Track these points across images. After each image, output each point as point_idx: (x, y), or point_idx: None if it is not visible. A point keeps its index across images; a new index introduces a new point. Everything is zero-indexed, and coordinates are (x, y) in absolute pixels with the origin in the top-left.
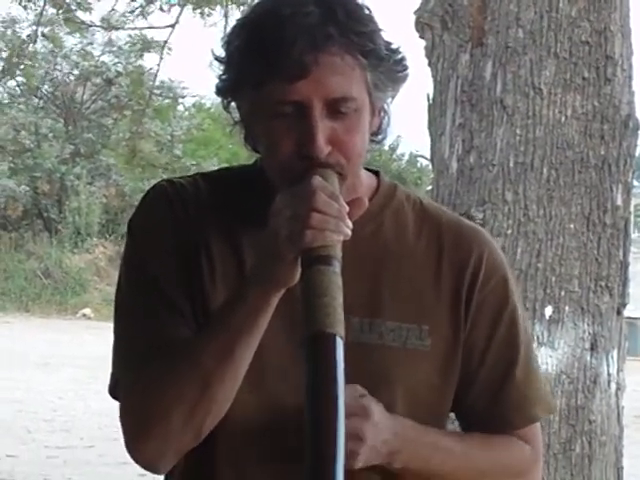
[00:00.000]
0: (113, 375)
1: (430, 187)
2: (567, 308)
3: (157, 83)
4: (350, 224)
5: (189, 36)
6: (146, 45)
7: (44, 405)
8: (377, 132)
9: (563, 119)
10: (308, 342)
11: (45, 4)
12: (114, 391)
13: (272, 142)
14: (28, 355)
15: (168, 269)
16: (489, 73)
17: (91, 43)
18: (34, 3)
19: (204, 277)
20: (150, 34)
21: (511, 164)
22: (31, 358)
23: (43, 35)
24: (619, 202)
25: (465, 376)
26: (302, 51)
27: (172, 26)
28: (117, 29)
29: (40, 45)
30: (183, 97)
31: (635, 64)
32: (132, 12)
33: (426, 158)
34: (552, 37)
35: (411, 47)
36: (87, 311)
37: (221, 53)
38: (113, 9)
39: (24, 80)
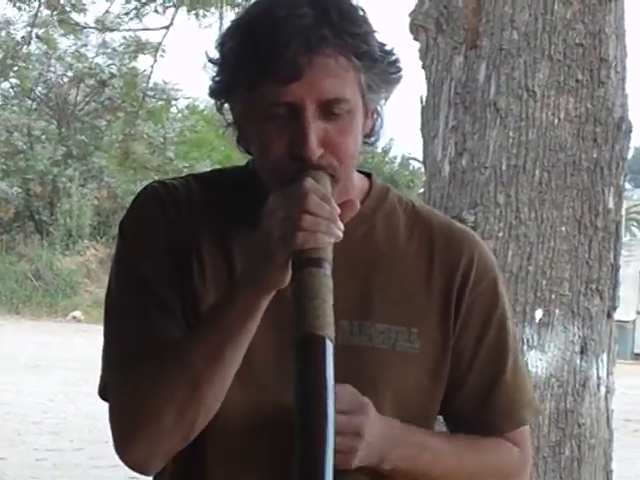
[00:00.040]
0: (103, 377)
1: (422, 190)
2: (557, 311)
3: (150, 85)
4: (342, 226)
5: (183, 38)
6: (140, 47)
7: (34, 407)
8: (370, 134)
9: (556, 121)
10: (298, 344)
11: (40, 5)
12: (104, 392)
13: (265, 143)
14: (18, 357)
15: (159, 270)
16: (483, 75)
17: (85, 45)
18: (28, 4)
19: (195, 278)
20: (144, 36)
21: (503, 167)
22: (21, 360)
23: (37, 37)
24: (611, 205)
25: (454, 380)
26: (296, 53)
27: (166, 28)
28: (111, 31)
29: (34, 47)
30: (176, 99)
31: (629, 66)
32: (127, 14)
33: (418, 161)
34: (546, 39)
35: (405, 49)
36: (77, 313)
37: (215, 55)
38: (107, 11)
39: (18, 82)
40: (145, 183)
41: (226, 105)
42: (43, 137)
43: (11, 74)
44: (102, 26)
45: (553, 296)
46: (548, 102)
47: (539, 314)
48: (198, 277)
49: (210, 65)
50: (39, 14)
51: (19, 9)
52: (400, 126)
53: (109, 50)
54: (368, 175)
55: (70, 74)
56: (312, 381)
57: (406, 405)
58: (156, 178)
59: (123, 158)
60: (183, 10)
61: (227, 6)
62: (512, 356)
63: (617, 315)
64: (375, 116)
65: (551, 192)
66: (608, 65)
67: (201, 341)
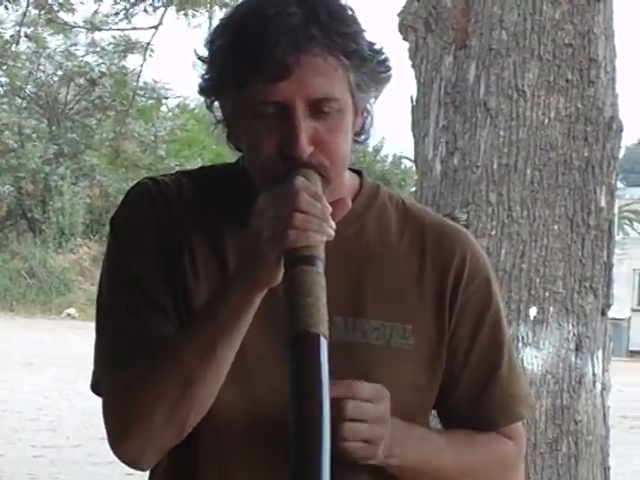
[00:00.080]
0: (95, 372)
1: (414, 188)
2: (552, 309)
3: (140, 84)
4: (333, 225)
5: (173, 37)
6: (129, 46)
7: (29, 405)
8: (360, 132)
9: (546, 121)
10: (292, 342)
11: (28, 5)
12: (96, 388)
13: (254, 142)
14: (12, 355)
15: (150, 267)
16: (472, 75)
17: (75, 44)
18: (16, 4)
19: (187, 275)
20: (134, 35)
21: (495, 166)
22: (15, 358)
23: (26, 36)
24: (603, 204)
25: (449, 377)
26: (284, 52)
27: (155, 27)
28: (100, 30)
29: (24, 46)
30: (167, 98)
31: (618, 66)
32: (116, 14)
33: (410, 160)
34: (535, 39)
35: (394, 49)
36: (71, 311)
37: (204, 52)
38: (97, 11)
39: (7, 80)
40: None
41: (216, 103)
42: (34, 136)
43: (0, 73)
44: (91, 25)
45: (547, 294)
46: (538, 102)
47: (533, 312)
48: (190, 274)
49: (199, 63)
50: (28, 13)
51: (6, 8)
52: (391, 125)
53: (99, 49)
54: (359, 173)
55: (60, 73)
56: (307, 378)
57: (401, 401)
58: (147, 176)
59: (114, 157)
60: (172, 10)
61: (216, 6)
62: (507, 352)
63: (612, 313)
64: (365, 115)
65: (543, 191)
66: (598, 65)
67: (193, 337)
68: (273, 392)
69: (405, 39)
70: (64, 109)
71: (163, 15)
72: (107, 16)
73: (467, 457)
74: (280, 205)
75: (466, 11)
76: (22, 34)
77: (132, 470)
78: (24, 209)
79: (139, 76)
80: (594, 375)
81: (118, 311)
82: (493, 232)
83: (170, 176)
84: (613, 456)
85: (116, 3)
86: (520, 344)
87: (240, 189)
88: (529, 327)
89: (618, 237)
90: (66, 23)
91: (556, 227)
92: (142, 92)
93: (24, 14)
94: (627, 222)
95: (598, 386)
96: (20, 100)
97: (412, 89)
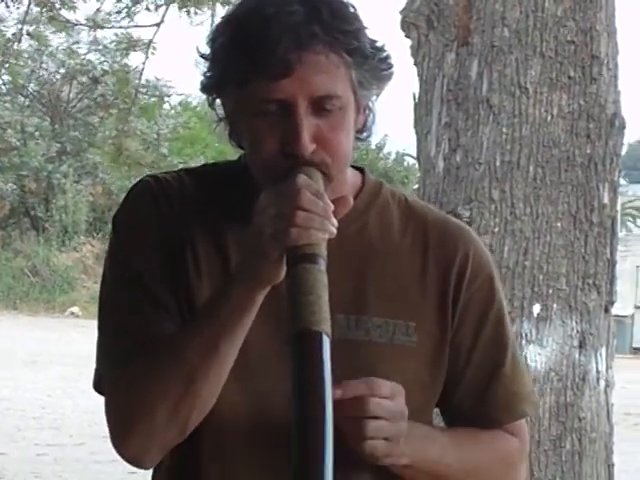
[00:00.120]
0: (97, 370)
1: (417, 186)
2: (555, 306)
3: (143, 82)
4: (335, 222)
5: (175, 35)
6: (131, 44)
7: (32, 403)
8: (362, 130)
9: (549, 118)
10: (294, 340)
11: (30, 3)
12: (98, 386)
13: (256, 140)
14: (16, 353)
15: (152, 265)
16: (475, 72)
17: (77, 42)
18: (18, 2)
19: (189, 272)
20: (136, 33)
21: (497, 163)
22: (19, 356)
23: (28, 34)
24: (606, 200)
25: (452, 375)
26: (286, 50)
27: (157, 25)
28: (102, 28)
29: (26, 44)
30: (169, 96)
31: (621, 63)
32: (118, 12)
33: (413, 157)
34: (538, 36)
35: (397, 46)
36: (75, 309)
37: (206, 50)
38: (99, 9)
39: (10, 78)
40: None
41: (218, 100)
42: (37, 134)
43: (3, 71)
44: (93, 23)
45: (550, 291)
46: (541, 99)
47: (537, 309)
48: (193, 271)
49: (202, 61)
50: (30, 11)
51: (7, 6)
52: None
53: (101, 47)
54: (361, 170)
55: (62, 71)
56: (309, 376)
57: (405, 399)
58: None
59: (117, 154)
60: (175, 7)
61: (218, 4)
62: (510, 350)
63: (615, 310)
64: (367, 112)
65: (546, 188)
66: (600, 62)
67: (196, 335)
68: (275, 390)
69: (407, 36)
70: (67, 107)
71: (165, 13)
72: (109, 14)
73: (470, 455)
74: (282, 203)
75: (468, 8)
76: (24, 32)
77: (135, 468)
78: (27, 207)
79: (141, 74)
80: (598, 372)
81: (120, 309)
82: (496, 229)
83: (172, 174)
84: (617, 453)
85: (118, 1)
86: (523, 341)
87: (242, 187)
88: (532, 324)
89: (621, 234)
90: (68, 21)
91: (559, 224)
92: (144, 90)
93: (26, 12)
94: (630, 219)
95: (602, 383)
96: (23, 98)
97: (414, 86)
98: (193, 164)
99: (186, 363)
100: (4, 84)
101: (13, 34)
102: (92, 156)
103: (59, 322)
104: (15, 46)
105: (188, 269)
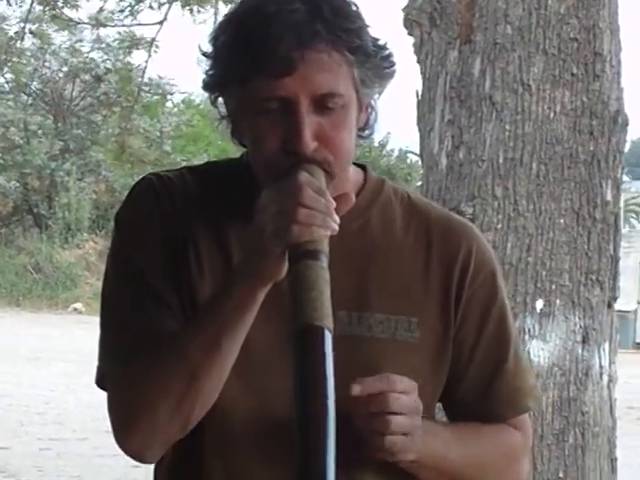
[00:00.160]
0: (100, 367)
1: (420, 183)
2: (558, 301)
3: (145, 80)
4: (337, 219)
5: (178, 33)
6: (134, 42)
7: (36, 398)
8: (364, 128)
9: (552, 115)
10: (296, 335)
11: (32, 1)
12: (101, 382)
13: (258, 138)
14: (19, 350)
15: (155, 262)
16: (478, 70)
17: (80, 40)
18: (21, 0)
19: (191, 270)
20: (139, 31)
21: (500, 160)
22: (22, 352)
23: (31, 32)
24: (609, 197)
25: (454, 371)
26: (289, 48)
27: (160, 23)
28: (105, 26)
29: (29, 42)
30: (172, 94)
31: (624, 60)
32: (122, 11)
33: (416, 154)
34: (541, 34)
35: (400, 44)
36: (78, 305)
37: (208, 49)
38: (102, 8)
39: (13, 77)
40: None
41: (220, 98)
42: (40, 132)
43: (5, 69)
44: (96, 21)
45: (553, 286)
46: (544, 96)
47: (540, 304)
48: (195, 269)
49: (204, 59)
50: (32, 10)
51: (9, 4)
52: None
53: (104, 45)
54: (363, 168)
55: (65, 69)
56: (311, 372)
57: None
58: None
59: (120, 152)
60: (178, 6)
61: (221, 2)
62: (513, 346)
63: (618, 305)
64: (369, 110)
65: (549, 184)
66: (603, 59)
67: (198, 332)
68: (278, 386)
69: (410, 34)
70: (69, 105)
71: (168, 11)
72: (112, 12)
73: (474, 449)
74: (284, 200)
75: (471, 6)
76: (27, 30)
77: (138, 463)
78: (30, 205)
79: (144, 72)
80: (601, 367)
81: (122, 306)
82: (499, 226)
83: (174, 172)
84: (620, 447)
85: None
86: (527, 337)
87: (244, 184)
88: (536, 320)
89: (624, 230)
90: (71, 19)
91: (562, 220)
92: (147, 88)
93: (29, 10)
94: (633, 215)
95: (605, 378)
96: (25, 96)
97: (417, 84)
98: (196, 162)
99: (188, 360)
100: (7, 82)
101: (16, 32)
102: (95, 154)
103: (62, 319)
104: (18, 44)
105: (190, 266)
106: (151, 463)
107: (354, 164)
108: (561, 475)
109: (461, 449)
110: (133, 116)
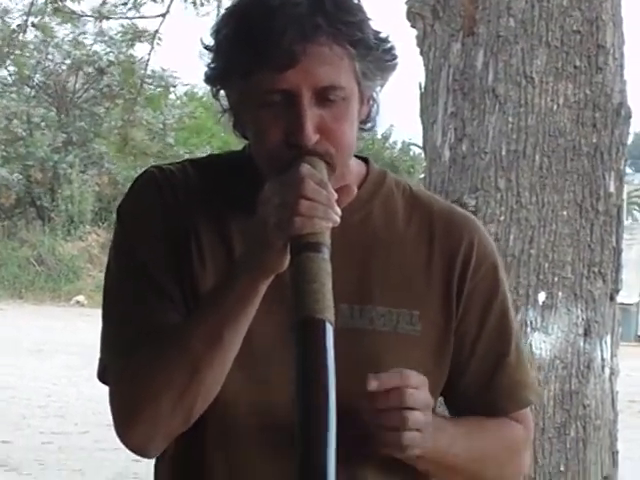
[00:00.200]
0: (101, 360)
1: (423, 175)
2: (560, 294)
3: (148, 72)
4: (339, 211)
5: (182, 26)
6: (137, 34)
7: (37, 391)
8: (366, 120)
9: (555, 107)
10: (298, 327)
11: None
12: (103, 376)
13: (260, 131)
14: (21, 342)
15: (157, 255)
16: (481, 62)
17: (83, 33)
18: None
19: (193, 262)
20: (142, 24)
21: (503, 152)
22: (24, 345)
23: (33, 25)
24: (612, 189)
25: (457, 364)
26: (291, 41)
27: (163, 15)
28: (108, 19)
29: (32, 35)
30: (174, 86)
31: (626, 53)
32: (124, 4)
33: (419, 146)
34: (543, 26)
35: (403, 36)
36: (80, 298)
37: (210, 42)
38: (105, 1)
39: (16, 69)
40: None
41: (222, 91)
42: (43, 124)
43: (8, 62)
44: (99, 14)
45: (556, 279)
46: (547, 88)
47: (542, 297)
48: (197, 261)
49: (206, 52)
50: (35, 2)
51: None
52: (400, 112)
53: (107, 38)
54: (365, 160)
55: (68, 62)
56: (312, 364)
57: None
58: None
59: (123, 144)
60: None
61: None
62: (514, 340)
63: (620, 298)
64: (371, 103)
65: (552, 177)
66: (606, 52)
67: (200, 325)
68: (280, 378)
69: (413, 27)
70: (72, 98)
71: (170, 4)
72: (115, 5)
73: (477, 443)
74: (286, 192)
75: None
76: (29, 23)
77: (139, 457)
78: (33, 197)
79: (147, 64)
80: (603, 360)
81: (124, 299)
82: (502, 218)
83: (176, 164)
84: (621, 440)
85: None
86: (529, 329)
87: (246, 177)
88: (538, 312)
89: (627, 222)
90: (73, 12)
91: (565, 213)
92: (150, 80)
93: (31, 3)
94: (636, 208)
95: (607, 371)
96: (29, 89)
97: (420, 76)
98: (199, 154)
99: (190, 352)
100: (10, 75)
101: (18, 25)
102: (98, 146)
103: (64, 311)
104: (20, 37)
105: (192, 259)
106: (152, 457)
107: (356, 157)
108: (562, 468)
109: (464, 443)
110: (136, 108)
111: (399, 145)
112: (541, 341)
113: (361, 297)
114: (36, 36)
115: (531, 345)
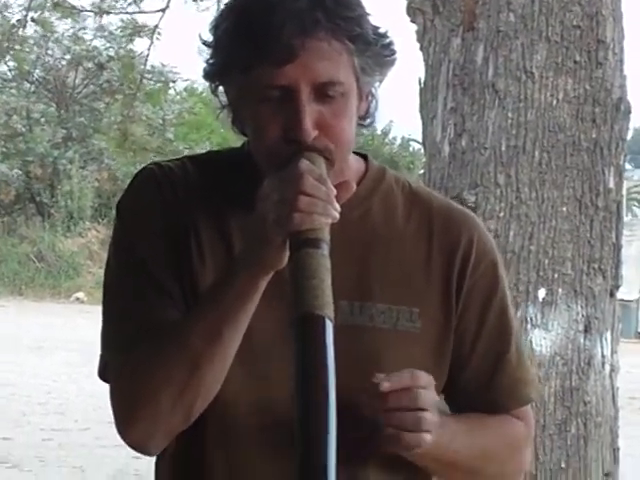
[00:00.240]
0: (102, 357)
1: (422, 171)
2: (560, 290)
3: (148, 68)
4: (338, 207)
5: (182, 21)
6: (137, 30)
7: (38, 388)
8: (365, 116)
9: (555, 102)
10: (297, 323)
11: None
12: (103, 374)
13: (259, 126)
14: (21, 339)
15: (156, 251)
16: (480, 57)
17: (83, 28)
18: None
19: (193, 259)
20: (142, 19)
21: (503, 147)
22: (24, 342)
23: (33, 20)
24: (611, 185)
25: (457, 361)
26: (290, 36)
27: (162, 11)
28: (108, 14)
29: (32, 30)
30: (174, 81)
31: (626, 48)
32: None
33: (418, 142)
34: (543, 21)
35: (403, 31)
36: (80, 294)
37: (209, 37)
38: None
39: (15, 65)
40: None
41: (221, 88)
42: (42, 120)
43: (8, 57)
44: (99, 9)
45: (556, 275)
46: (546, 83)
47: (542, 293)
48: (197, 258)
49: (204, 48)
50: None
51: None
52: (399, 108)
53: (106, 33)
54: (364, 157)
55: (68, 57)
56: (312, 360)
57: None
58: (156, 160)
59: (122, 140)
60: None
61: None
62: (514, 338)
63: (620, 294)
64: (370, 99)
65: (551, 172)
66: (605, 47)
67: (200, 321)
68: (280, 374)
69: (413, 22)
70: (72, 93)
71: None
72: (115, 0)
73: (478, 440)
74: (285, 188)
75: None
76: (29, 18)
77: (140, 454)
78: (33, 193)
79: (147, 60)
80: (603, 356)
81: (124, 295)
82: (502, 214)
83: (175, 161)
84: (622, 437)
85: None
86: (529, 325)
87: (245, 173)
88: (538, 308)
89: (626, 219)
90: (73, 7)
91: (564, 208)
92: (150, 76)
93: None
94: (635, 203)
95: (607, 367)
96: (28, 84)
97: (420, 71)
98: (199, 149)
99: (190, 349)
100: (10, 70)
101: (18, 20)
102: (98, 142)
103: (64, 307)
104: (20, 32)
105: (192, 256)
106: (153, 455)
107: (355, 153)
108: (563, 465)
109: (465, 440)
110: (136, 104)
111: (399, 141)
112: (541, 338)
113: (361, 294)
114: (36, 31)
115: (531, 342)
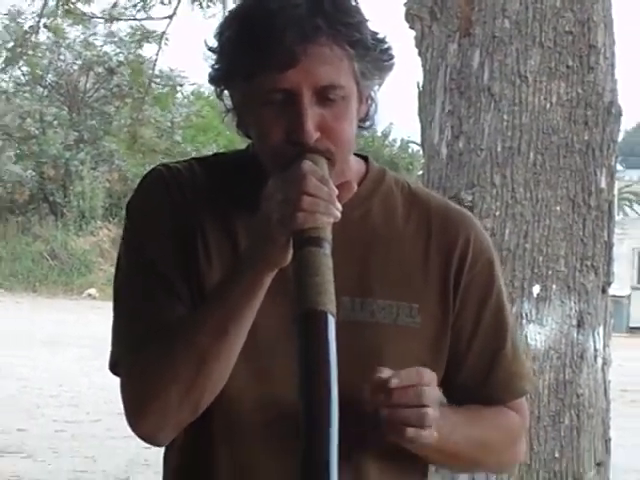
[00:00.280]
0: (113, 353)
1: (421, 172)
2: (554, 286)
3: (156, 72)
4: (340, 207)
5: (189, 27)
6: (145, 35)
7: (50, 382)
8: (365, 119)
9: (548, 106)
10: (300, 320)
11: None
12: (114, 368)
13: (263, 129)
14: (35, 334)
15: (165, 252)
16: (477, 62)
17: (94, 34)
18: None
19: (200, 259)
20: (150, 25)
21: (499, 149)
22: (38, 337)
23: (45, 26)
24: (603, 185)
25: (453, 358)
26: (292, 42)
27: (170, 17)
28: (117, 20)
29: (45, 36)
30: (182, 85)
31: (617, 53)
32: (134, 6)
33: (417, 144)
34: (537, 27)
35: (401, 37)
36: (92, 291)
37: (214, 43)
38: (115, 3)
39: (29, 69)
40: (154, 166)
41: (226, 91)
42: (55, 122)
43: (22, 62)
44: (109, 16)
45: (550, 272)
46: (540, 87)
47: (537, 289)
48: (203, 258)
49: (210, 54)
50: (47, 4)
51: None
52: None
53: (116, 39)
54: (365, 158)
55: (79, 62)
56: (315, 356)
57: None
58: (164, 161)
59: (132, 142)
60: (188, 0)
61: None
62: (510, 335)
63: (612, 290)
64: (369, 102)
65: (545, 173)
66: (597, 52)
67: (206, 318)
68: (283, 370)
69: (411, 28)
70: (84, 97)
71: (177, 6)
72: (125, 7)
73: (476, 431)
74: (289, 189)
75: (470, 0)
76: (41, 25)
77: (150, 445)
78: (46, 193)
79: (155, 65)
80: (595, 350)
81: (134, 295)
82: (497, 213)
83: (183, 163)
84: (614, 428)
85: None
86: (524, 321)
87: (250, 175)
88: (532, 304)
89: (618, 217)
90: (84, 14)
91: (558, 208)
92: (158, 80)
93: (43, 5)
94: (627, 203)
95: (599, 361)
96: (41, 89)
97: (418, 76)
98: (206, 151)
99: (197, 347)
100: (23, 75)
101: (31, 26)
102: (108, 144)
103: (77, 304)
104: (33, 38)
105: (199, 256)
106: (163, 445)
107: (356, 155)
108: (557, 455)
109: (464, 431)
110: (145, 107)
111: (398, 143)
112: (536, 332)
113: (362, 291)
114: (48, 37)
115: (526, 336)
